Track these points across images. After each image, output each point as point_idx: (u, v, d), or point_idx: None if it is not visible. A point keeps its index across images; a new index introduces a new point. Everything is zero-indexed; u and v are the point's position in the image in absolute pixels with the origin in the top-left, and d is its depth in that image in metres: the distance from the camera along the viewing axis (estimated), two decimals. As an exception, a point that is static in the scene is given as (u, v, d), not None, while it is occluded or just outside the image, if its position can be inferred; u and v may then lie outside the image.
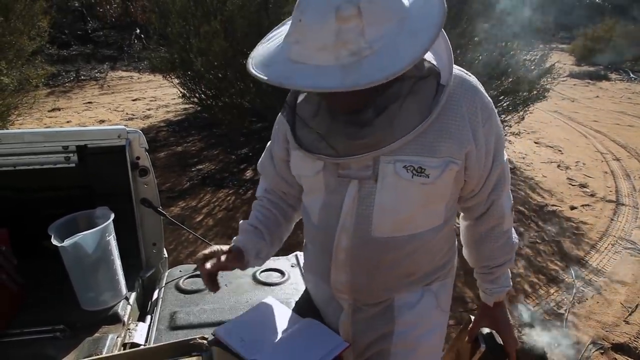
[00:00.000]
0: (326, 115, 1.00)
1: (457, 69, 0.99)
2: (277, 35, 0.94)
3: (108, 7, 10.97)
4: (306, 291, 1.32)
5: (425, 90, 0.94)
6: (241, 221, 1.24)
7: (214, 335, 1.12)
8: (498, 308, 1.22)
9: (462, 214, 1.20)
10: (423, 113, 0.93)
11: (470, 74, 1.00)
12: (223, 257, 1.11)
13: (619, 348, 2.61)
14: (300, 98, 1.08)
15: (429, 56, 0.96)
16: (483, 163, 1.02)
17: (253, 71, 0.88)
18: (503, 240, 1.14)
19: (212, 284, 1.10)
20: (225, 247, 1.15)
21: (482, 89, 1.00)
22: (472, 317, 1.30)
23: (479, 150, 0.99)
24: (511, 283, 1.22)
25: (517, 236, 1.19)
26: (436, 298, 1.14)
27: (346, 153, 0.96)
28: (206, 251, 1.11)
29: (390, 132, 0.93)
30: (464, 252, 1.25)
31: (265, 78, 0.85)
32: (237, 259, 1.14)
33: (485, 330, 1.24)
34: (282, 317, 1.22)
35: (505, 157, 1.07)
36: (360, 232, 1.02)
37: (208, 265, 1.09)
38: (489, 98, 1.01)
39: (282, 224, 1.25)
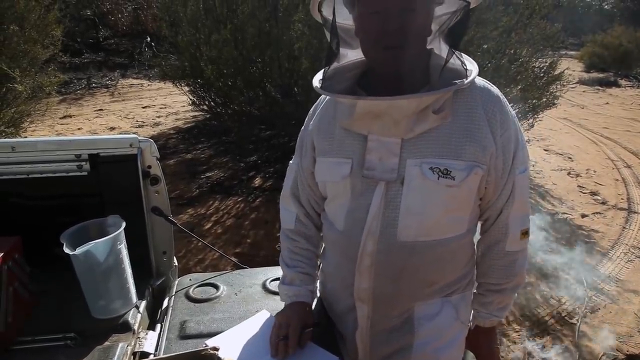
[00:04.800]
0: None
1: (481, 79, 1.04)
2: None
3: (119, 15, 11.10)
4: (318, 304, 1.32)
5: (452, 77, 0.98)
6: (284, 266, 1.26)
7: (206, 345, 1.13)
8: (483, 334, 1.20)
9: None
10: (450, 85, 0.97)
11: (494, 85, 1.05)
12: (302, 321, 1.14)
13: (633, 359, 2.57)
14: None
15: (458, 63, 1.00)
16: (501, 171, 1.04)
17: None
18: (504, 261, 1.12)
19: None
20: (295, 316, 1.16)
21: (504, 100, 1.04)
22: None
23: (498, 156, 1.02)
24: (503, 316, 1.19)
25: (526, 267, 1.15)
26: (456, 310, 1.13)
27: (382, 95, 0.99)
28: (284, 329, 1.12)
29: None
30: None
31: None
32: (309, 312, 1.19)
33: (470, 355, 1.23)
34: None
35: (524, 171, 1.06)
36: (386, 236, 1.03)
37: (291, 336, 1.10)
38: (513, 112, 1.05)
39: (317, 254, 1.28)
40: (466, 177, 0.98)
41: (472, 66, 1.01)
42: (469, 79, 0.97)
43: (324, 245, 1.26)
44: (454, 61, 0.98)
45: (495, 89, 1.04)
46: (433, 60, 1.04)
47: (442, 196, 1.00)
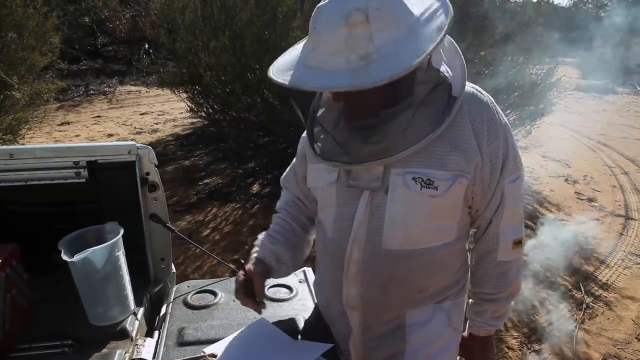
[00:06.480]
0: (344, 125, 1.04)
1: (471, 86, 1.01)
2: (298, 48, 0.99)
3: (118, 22, 11.14)
4: (315, 309, 1.32)
5: (438, 101, 0.96)
6: (259, 235, 1.26)
7: (204, 353, 1.14)
8: (477, 342, 1.19)
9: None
10: (434, 123, 0.95)
11: (484, 92, 1.02)
12: (250, 275, 1.12)
13: (631, 366, 2.57)
14: (322, 109, 1.12)
15: (443, 69, 0.99)
16: (488, 181, 1.02)
17: (273, 77, 0.94)
18: (497, 271, 1.10)
19: (256, 305, 1.11)
20: (247, 266, 1.16)
21: (494, 107, 1.01)
22: None
23: (484, 166, 1.00)
24: (498, 325, 1.16)
25: (521, 277, 1.14)
26: (448, 317, 1.13)
27: (359, 160, 0.99)
28: (239, 280, 1.13)
29: (402, 140, 0.95)
30: None
31: (284, 83, 0.90)
32: (261, 270, 1.14)
33: None
34: (272, 337, 1.23)
35: (514, 180, 1.03)
36: (371, 245, 1.03)
37: (241, 292, 1.11)
38: (505, 120, 1.02)
39: (300, 235, 1.26)
40: (450, 187, 0.97)
41: (459, 81, 0.98)
42: (451, 115, 0.94)
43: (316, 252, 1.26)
44: (442, 68, 0.98)
45: (484, 97, 1.01)
46: (419, 73, 0.98)
47: (425, 206, 0.99)
